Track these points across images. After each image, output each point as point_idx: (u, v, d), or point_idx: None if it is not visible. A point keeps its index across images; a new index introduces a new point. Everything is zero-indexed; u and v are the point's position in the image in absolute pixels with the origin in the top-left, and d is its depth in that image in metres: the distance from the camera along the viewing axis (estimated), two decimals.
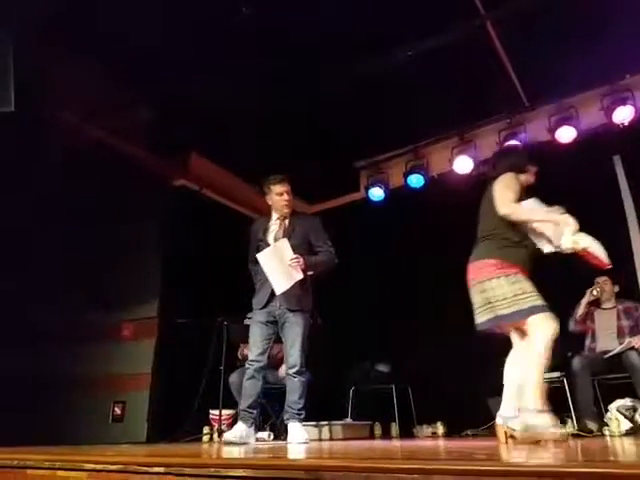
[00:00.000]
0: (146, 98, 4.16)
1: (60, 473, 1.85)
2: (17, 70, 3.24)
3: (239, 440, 2.83)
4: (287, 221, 3.20)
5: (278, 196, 3.15)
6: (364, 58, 3.99)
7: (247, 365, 3.04)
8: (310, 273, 3.08)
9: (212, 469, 1.45)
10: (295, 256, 2.97)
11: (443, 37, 3.84)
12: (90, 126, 4.16)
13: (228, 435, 2.91)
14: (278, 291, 2.97)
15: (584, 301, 3.90)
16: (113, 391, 4.47)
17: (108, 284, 4.74)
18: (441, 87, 4.25)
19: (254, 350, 3.03)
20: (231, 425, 3.51)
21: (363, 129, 4.74)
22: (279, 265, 2.97)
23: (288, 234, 3.12)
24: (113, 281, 4.72)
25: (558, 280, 4.17)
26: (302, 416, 2.98)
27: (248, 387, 3.00)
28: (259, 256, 2.99)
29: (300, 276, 2.98)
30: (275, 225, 3.21)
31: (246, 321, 3.65)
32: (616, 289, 3.93)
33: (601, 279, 3.90)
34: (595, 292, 3.88)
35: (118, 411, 4.41)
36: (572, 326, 3.87)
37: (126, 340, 4.63)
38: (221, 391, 3.78)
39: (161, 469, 1.56)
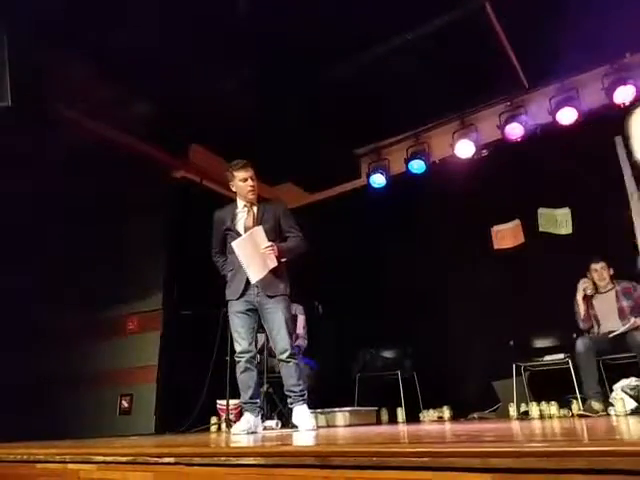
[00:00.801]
0: (145, 90, 4.13)
1: (70, 466, 1.87)
2: (13, 65, 3.21)
3: (248, 431, 2.84)
4: (255, 208, 3.11)
5: (242, 182, 3.04)
6: (365, 43, 3.95)
7: (237, 359, 2.99)
8: (283, 260, 3.03)
9: (222, 458, 1.46)
10: (269, 244, 2.93)
11: (443, 20, 3.79)
12: (89, 119, 4.13)
13: (236, 428, 2.90)
14: (253, 279, 2.92)
15: (579, 299, 3.86)
16: (120, 384, 4.51)
17: (112, 278, 4.74)
18: (441, 71, 4.21)
19: (241, 342, 2.98)
20: (239, 415, 3.53)
21: (363, 116, 4.71)
22: (254, 253, 2.91)
23: (258, 221, 3.05)
24: (116, 275, 4.72)
25: (556, 264, 4.19)
26: (305, 397, 2.93)
27: (244, 380, 2.97)
28: (235, 244, 2.91)
29: (274, 264, 2.94)
30: (243, 212, 3.11)
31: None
32: (611, 272, 3.90)
33: (598, 265, 3.87)
34: (589, 291, 3.86)
35: (125, 404, 4.44)
36: (582, 325, 3.86)
37: (131, 333, 4.65)
38: (227, 381, 3.80)
39: (171, 459, 1.58)
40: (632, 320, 3.59)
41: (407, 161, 5.21)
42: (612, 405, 3.36)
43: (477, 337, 4.40)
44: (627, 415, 3.23)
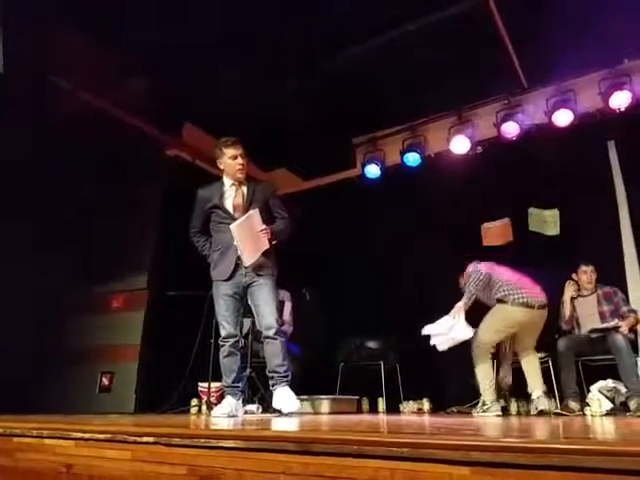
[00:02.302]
0: (141, 66, 4.06)
1: (47, 441, 1.85)
2: (7, 32, 3.12)
3: (228, 414, 2.81)
4: (245, 187, 3.05)
5: (232, 159, 2.97)
6: (364, 35, 3.91)
7: (222, 343, 2.94)
8: (274, 242, 3.00)
9: (202, 440, 1.45)
10: (264, 227, 2.89)
11: (445, 14, 3.76)
12: (84, 93, 4.05)
13: (217, 411, 2.87)
14: (247, 262, 2.87)
15: (567, 299, 3.91)
16: (101, 362, 4.47)
17: (98, 255, 4.68)
18: (441, 66, 4.18)
19: (226, 326, 2.92)
20: (220, 398, 3.53)
21: (361, 105, 4.68)
22: (249, 235, 2.86)
23: (248, 200, 2.99)
24: (103, 252, 4.66)
25: (542, 265, 4.24)
26: (289, 379, 2.86)
27: (227, 364, 2.92)
28: (233, 227, 2.83)
29: (266, 246, 2.91)
30: (231, 191, 3.03)
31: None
32: (595, 275, 3.94)
33: (588, 268, 3.91)
34: (574, 293, 3.91)
35: (106, 382, 4.41)
36: (564, 326, 3.91)
37: (115, 311, 4.61)
38: (210, 364, 3.79)
39: (150, 439, 1.57)
40: (615, 320, 3.66)
41: (402, 153, 5.20)
42: (589, 405, 3.43)
43: None
44: (602, 416, 3.30)
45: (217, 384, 3.82)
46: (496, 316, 3.61)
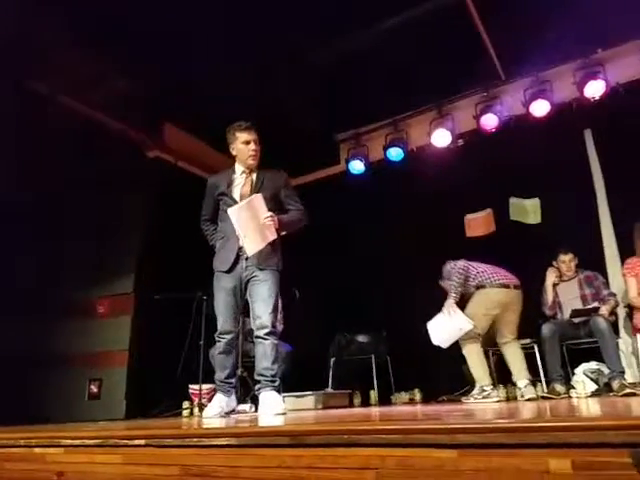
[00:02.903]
0: (120, 68, 4.01)
1: (37, 450, 1.83)
2: None
3: (220, 413, 2.75)
4: (254, 175, 2.88)
5: (244, 145, 2.82)
6: (345, 31, 3.93)
7: (218, 339, 2.78)
8: (283, 233, 2.82)
9: (194, 439, 1.46)
10: (269, 214, 2.69)
11: (424, 8, 3.80)
12: (62, 96, 3.98)
13: (208, 412, 2.76)
14: (250, 252, 2.69)
15: (549, 285, 3.99)
16: (89, 369, 4.42)
17: (83, 259, 4.62)
18: (420, 60, 4.22)
19: (222, 321, 2.76)
20: (211, 399, 3.51)
21: (343, 102, 4.69)
22: (252, 223, 2.66)
23: (256, 189, 2.81)
24: (88, 256, 4.61)
25: (525, 252, 4.32)
26: (277, 384, 2.69)
27: (223, 359, 2.78)
28: (230, 212, 2.66)
29: (274, 236, 2.72)
30: (241, 179, 2.87)
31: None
32: (576, 261, 4.02)
33: (567, 257, 3.98)
34: (556, 279, 3.99)
35: (94, 389, 4.37)
36: (547, 312, 3.99)
37: (102, 317, 4.56)
38: (201, 365, 3.78)
39: (142, 441, 1.56)
40: (595, 303, 3.76)
41: (386, 148, 5.24)
42: (574, 388, 3.51)
43: None
44: (587, 397, 3.38)
45: (208, 386, 3.82)
46: (478, 301, 3.73)
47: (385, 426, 1.16)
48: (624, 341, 3.95)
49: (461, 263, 3.82)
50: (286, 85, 4.43)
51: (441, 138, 5.04)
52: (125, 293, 4.47)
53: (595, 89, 4.40)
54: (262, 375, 2.70)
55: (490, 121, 4.81)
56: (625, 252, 4.07)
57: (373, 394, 4.55)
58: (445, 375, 4.29)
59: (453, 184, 4.79)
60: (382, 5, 3.73)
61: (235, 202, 2.80)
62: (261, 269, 2.75)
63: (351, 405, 4.48)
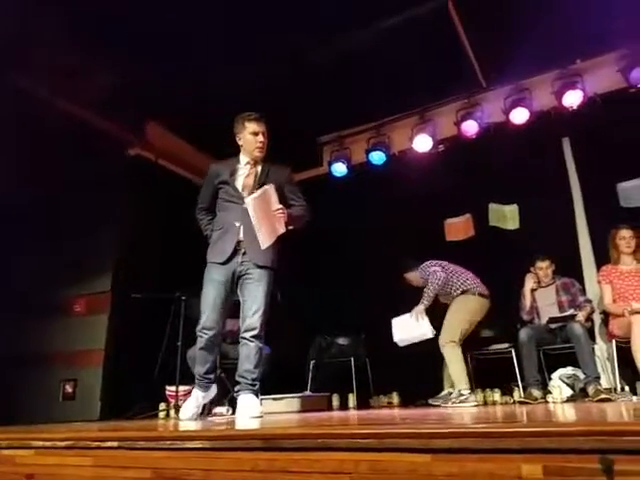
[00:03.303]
0: (104, 64, 3.94)
1: (6, 452, 1.78)
2: None
3: (196, 414, 2.70)
4: (259, 167, 2.82)
5: (252, 135, 2.77)
6: (329, 35, 3.94)
7: (200, 334, 2.66)
8: (290, 228, 2.72)
9: (168, 442, 1.43)
10: (280, 206, 2.61)
11: (407, 15, 3.84)
12: (42, 90, 3.88)
13: (184, 412, 2.68)
14: (264, 245, 2.60)
15: (527, 291, 4.05)
16: (64, 369, 4.32)
17: (59, 257, 4.51)
18: (403, 66, 4.25)
19: (209, 314, 2.62)
20: None
21: (326, 105, 4.70)
22: (265, 215, 2.58)
23: (260, 181, 2.74)
24: (64, 253, 4.50)
25: (503, 257, 4.39)
26: (256, 388, 2.64)
27: (202, 355, 2.67)
28: (250, 200, 2.55)
29: (283, 230, 2.62)
30: (244, 169, 2.80)
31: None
32: (553, 267, 4.09)
33: (544, 264, 4.04)
34: (534, 285, 4.05)
35: (69, 389, 4.27)
36: (525, 317, 4.05)
37: (78, 315, 4.46)
38: (178, 367, 3.73)
39: (114, 443, 1.53)
40: (571, 310, 3.83)
41: (368, 151, 5.26)
42: (550, 392, 3.57)
43: None
44: (563, 402, 3.44)
45: (185, 387, 3.77)
46: (463, 307, 3.84)
47: (359, 430, 1.16)
48: (600, 347, 4.03)
49: (442, 274, 3.92)
50: (270, 87, 4.41)
51: (423, 143, 5.08)
52: (102, 292, 4.39)
53: (573, 99, 4.49)
54: (243, 377, 2.64)
55: (471, 127, 4.88)
56: (601, 259, 4.15)
57: (352, 397, 4.55)
58: (423, 379, 4.31)
59: (434, 189, 4.83)
60: (367, 11, 3.75)
61: (237, 192, 2.75)
62: (258, 266, 2.67)
63: (330, 408, 4.48)
